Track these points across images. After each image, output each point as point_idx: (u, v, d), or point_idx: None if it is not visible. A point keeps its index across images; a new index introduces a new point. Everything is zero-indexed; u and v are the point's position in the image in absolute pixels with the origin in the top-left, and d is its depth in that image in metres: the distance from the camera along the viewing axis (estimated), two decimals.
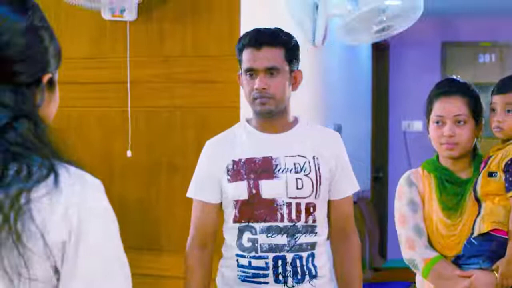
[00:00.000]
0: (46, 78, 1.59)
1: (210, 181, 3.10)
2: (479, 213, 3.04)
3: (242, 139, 3.11)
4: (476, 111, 3.15)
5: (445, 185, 3.16)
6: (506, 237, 2.97)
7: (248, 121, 3.17)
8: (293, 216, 3.00)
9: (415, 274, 3.25)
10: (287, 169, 3.01)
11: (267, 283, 3.00)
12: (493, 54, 9.03)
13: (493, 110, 3.17)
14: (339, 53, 6.64)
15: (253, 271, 3.02)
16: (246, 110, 4.05)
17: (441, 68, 9.01)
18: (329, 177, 3.07)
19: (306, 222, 3.01)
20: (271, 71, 2.99)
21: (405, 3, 4.97)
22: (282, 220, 2.99)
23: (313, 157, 3.05)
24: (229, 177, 3.05)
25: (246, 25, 4.04)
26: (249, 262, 3.03)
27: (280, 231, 2.98)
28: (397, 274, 6.86)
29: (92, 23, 4.22)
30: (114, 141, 4.23)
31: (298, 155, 3.04)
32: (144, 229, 4.16)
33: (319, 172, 3.04)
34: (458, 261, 3.07)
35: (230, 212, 3.07)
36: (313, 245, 3.03)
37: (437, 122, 3.15)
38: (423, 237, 3.13)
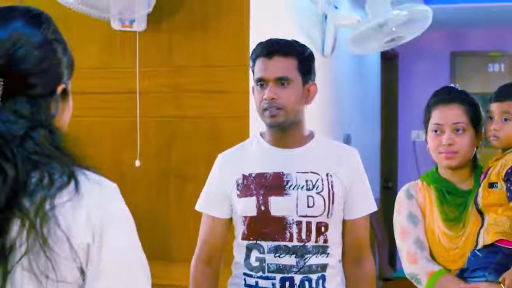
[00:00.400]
0: (60, 88, 1.66)
1: (219, 196, 2.98)
2: (482, 224, 2.93)
3: (254, 153, 2.98)
4: (475, 119, 3.06)
5: (446, 197, 3.05)
6: None
7: (261, 134, 3.02)
8: (303, 236, 2.84)
9: None
10: (299, 186, 2.86)
11: None
12: (502, 64, 9.03)
13: (490, 118, 3.06)
14: (348, 63, 6.65)
15: None
16: (255, 120, 4.05)
17: (450, 78, 9.00)
18: (343, 195, 2.91)
19: (316, 242, 2.86)
20: (281, 81, 2.86)
21: (414, 14, 4.98)
22: (291, 240, 2.84)
23: (327, 174, 2.89)
24: (238, 192, 2.92)
25: (255, 35, 4.05)
26: (256, 282, 2.89)
27: (288, 251, 2.84)
28: (407, 284, 6.84)
29: (102, 33, 4.23)
30: (123, 151, 4.24)
31: (311, 172, 2.89)
32: (154, 239, 4.15)
33: (332, 190, 2.88)
34: (462, 275, 2.94)
35: (239, 229, 2.94)
36: (324, 267, 2.88)
37: (436, 131, 3.05)
38: (425, 251, 3.01)
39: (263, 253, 2.86)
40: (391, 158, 8.93)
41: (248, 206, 2.88)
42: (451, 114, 3.04)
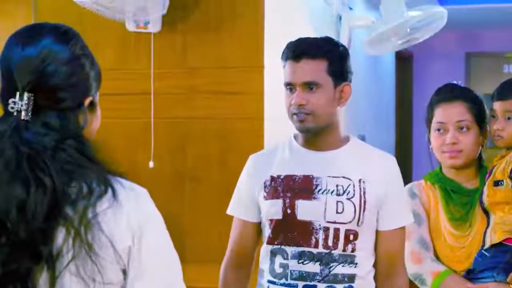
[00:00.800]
0: (87, 101, 1.76)
1: (248, 198, 2.85)
2: (488, 224, 2.86)
3: (285, 155, 2.83)
4: (479, 117, 2.99)
5: (452, 196, 2.98)
6: None
7: (295, 136, 2.86)
8: (330, 243, 2.67)
9: None
10: (328, 190, 2.70)
11: None
12: None
13: (493, 117, 2.98)
14: (363, 64, 6.63)
15: None
16: (270, 121, 4.05)
17: (465, 79, 8.98)
18: (376, 204, 2.71)
19: (344, 251, 2.68)
20: (310, 86, 2.69)
21: (429, 15, 4.96)
22: (316, 246, 2.67)
23: (359, 180, 2.71)
24: (265, 194, 2.78)
25: (270, 37, 4.05)
26: None
27: (312, 258, 2.67)
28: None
29: (117, 34, 4.24)
30: (137, 152, 4.24)
31: (343, 177, 2.72)
32: None
33: (364, 197, 2.70)
34: (469, 276, 2.87)
35: (265, 232, 2.80)
36: (351, 278, 2.69)
37: (439, 130, 2.99)
38: (429, 250, 2.95)
39: (287, 259, 2.71)
40: (406, 159, 8.91)
41: (274, 209, 2.74)
42: (454, 112, 2.98)
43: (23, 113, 1.66)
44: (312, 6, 4.86)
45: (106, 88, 4.24)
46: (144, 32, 4.12)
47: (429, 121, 3.06)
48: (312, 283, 2.68)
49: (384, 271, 2.78)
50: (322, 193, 2.70)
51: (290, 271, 2.70)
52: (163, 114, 4.21)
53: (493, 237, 2.82)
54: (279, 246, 2.73)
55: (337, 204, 2.69)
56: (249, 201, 2.85)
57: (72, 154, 1.66)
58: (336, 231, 2.68)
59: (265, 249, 2.80)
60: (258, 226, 2.87)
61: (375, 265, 2.79)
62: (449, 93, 3.03)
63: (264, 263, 2.80)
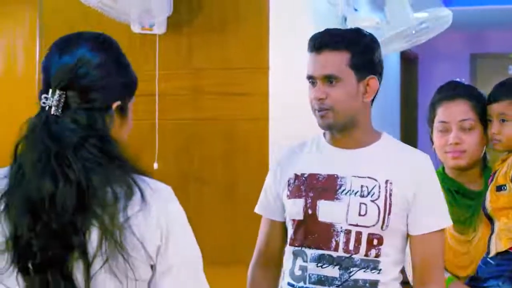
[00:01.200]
0: (115, 105, 1.85)
1: (274, 196, 2.73)
2: (493, 230, 2.73)
3: (311, 152, 2.68)
4: (484, 115, 2.85)
5: (456, 197, 2.85)
6: None
7: (324, 133, 2.68)
8: (350, 247, 2.52)
9: None
10: (352, 191, 2.54)
11: None
12: None
13: (490, 121, 2.86)
14: None
15: None
16: (275, 122, 4.05)
17: (470, 80, 8.97)
18: (404, 207, 2.53)
19: (366, 255, 2.51)
20: (330, 79, 2.53)
21: (435, 17, 4.96)
22: (336, 249, 2.52)
23: (386, 181, 2.53)
24: (288, 193, 2.65)
25: (275, 37, 4.06)
26: None
27: (332, 261, 2.53)
28: None
29: (122, 35, 4.23)
30: (141, 153, 4.23)
31: (368, 177, 2.55)
32: None
33: (390, 199, 2.52)
34: (473, 283, 2.76)
35: (288, 232, 2.67)
36: (374, 284, 2.52)
37: (441, 129, 2.89)
38: None
39: (306, 261, 2.57)
40: None
41: (295, 208, 2.61)
42: (457, 111, 2.86)
43: (53, 108, 1.79)
44: (316, 7, 4.86)
45: None
46: (149, 33, 4.12)
47: (431, 120, 2.98)
48: None
49: (419, 278, 2.60)
50: (346, 193, 2.55)
51: (309, 274, 2.56)
52: (168, 115, 4.21)
53: (498, 245, 2.71)
54: (299, 248, 2.61)
55: (360, 206, 2.53)
56: (275, 200, 2.73)
57: (93, 152, 1.75)
58: (358, 234, 2.52)
59: (287, 250, 2.68)
60: (285, 227, 2.72)
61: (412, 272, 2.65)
62: (451, 91, 2.93)
63: (286, 264, 2.68)
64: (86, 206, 1.72)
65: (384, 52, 5.49)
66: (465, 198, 2.88)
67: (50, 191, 1.71)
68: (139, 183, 1.78)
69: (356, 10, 5.48)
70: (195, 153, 4.19)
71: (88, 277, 1.72)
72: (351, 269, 2.52)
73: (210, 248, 4.16)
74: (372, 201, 2.52)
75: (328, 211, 2.55)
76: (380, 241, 2.53)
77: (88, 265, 1.72)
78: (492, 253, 2.72)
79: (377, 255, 2.52)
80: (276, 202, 2.71)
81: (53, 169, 1.72)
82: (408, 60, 8.52)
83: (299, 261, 2.59)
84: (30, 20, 4.98)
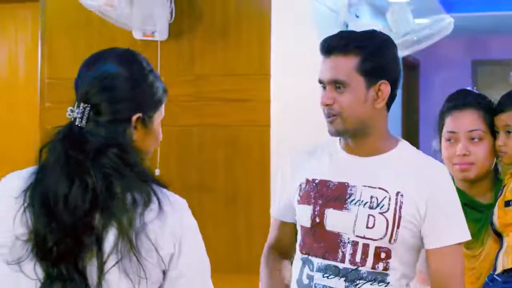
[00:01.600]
0: (135, 117, 1.97)
1: (285, 198, 2.65)
2: (501, 247, 2.62)
3: (324, 158, 2.58)
4: (494, 126, 2.75)
5: (464, 210, 2.59)
6: None
7: (340, 138, 2.58)
8: (357, 259, 2.42)
9: None
10: (361, 201, 2.44)
11: None
12: None
13: (497, 132, 2.76)
14: None
15: None
16: (276, 128, 4.05)
17: (471, 87, 8.96)
18: (415, 220, 2.42)
19: (373, 268, 2.42)
20: (336, 84, 2.43)
21: (436, 24, 4.96)
22: (342, 261, 2.43)
23: (397, 193, 2.42)
24: (298, 198, 2.56)
25: (277, 44, 4.05)
26: None
27: (338, 273, 2.44)
28: None
29: (124, 41, 4.24)
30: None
31: (379, 188, 2.44)
32: None
33: (400, 212, 2.40)
34: None
35: (298, 238, 2.60)
36: None
37: (449, 140, 2.76)
38: None
39: (313, 270, 2.49)
40: None
41: (304, 215, 2.53)
42: (465, 121, 2.75)
43: (77, 120, 1.93)
44: (318, 14, 4.87)
45: None
46: (151, 40, 4.12)
47: (440, 129, 2.84)
48: None
49: None
50: (355, 204, 2.45)
51: (315, 284, 2.48)
52: (169, 122, 4.19)
53: (505, 262, 2.58)
54: (306, 256, 2.53)
55: (368, 217, 2.42)
56: (286, 202, 2.65)
57: (113, 160, 1.89)
58: (365, 247, 2.42)
59: (297, 257, 2.60)
60: (295, 227, 2.64)
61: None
62: (461, 100, 2.80)
63: (294, 272, 2.60)
64: (106, 208, 1.85)
65: None
66: (474, 211, 2.75)
67: (64, 192, 1.85)
68: (158, 192, 1.92)
69: (357, 16, 5.49)
70: (196, 159, 4.19)
71: (101, 274, 1.84)
72: (358, 282, 2.42)
73: (211, 255, 4.14)
74: (381, 213, 2.42)
75: (335, 220, 2.46)
76: (388, 254, 2.42)
77: (102, 263, 1.84)
78: (499, 270, 2.60)
79: (385, 268, 2.42)
80: (288, 204, 2.63)
81: (70, 174, 1.86)
82: (410, 66, 8.52)
83: (307, 270, 2.51)
84: (32, 25, 4.99)
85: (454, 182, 2.68)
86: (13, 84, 5.22)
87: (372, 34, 2.51)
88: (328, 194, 2.49)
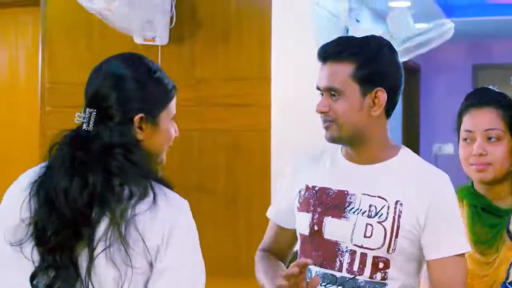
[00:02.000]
0: (137, 117, 2.05)
1: (285, 203, 2.60)
2: None
3: (326, 164, 2.54)
4: None
5: (481, 215, 2.57)
6: None
7: (342, 146, 2.54)
8: (355, 268, 2.38)
9: None
10: (360, 210, 2.39)
11: None
12: None
13: None
14: None
15: None
16: (277, 132, 4.05)
17: None
18: (414, 231, 2.37)
19: (371, 278, 2.37)
20: (331, 92, 2.39)
21: (436, 29, 4.97)
22: (340, 270, 2.39)
23: (396, 202, 2.37)
24: (298, 205, 2.52)
25: (277, 49, 4.06)
26: None
27: (335, 281, 2.40)
28: None
29: (124, 46, 4.24)
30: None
31: (378, 196, 2.39)
32: None
33: (398, 221, 2.36)
34: None
35: (298, 246, 2.57)
36: None
37: (466, 139, 2.61)
38: None
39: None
40: None
41: (303, 223, 2.49)
42: (483, 119, 2.58)
43: (84, 124, 2.04)
44: (319, 18, 4.87)
45: None
46: (152, 44, 4.13)
47: (458, 129, 2.67)
48: None
49: None
50: (354, 212, 2.40)
51: None
52: None
53: None
54: None
55: (366, 226, 2.37)
56: (286, 207, 2.59)
57: (118, 159, 1.99)
58: (363, 256, 2.38)
59: None
60: (294, 233, 2.59)
61: None
62: (478, 98, 2.64)
63: None
64: (103, 201, 1.94)
65: None
66: (491, 216, 2.59)
67: (65, 186, 1.96)
68: (155, 188, 1.98)
69: (358, 21, 5.49)
70: (197, 164, 4.19)
71: (90, 261, 1.92)
72: None
73: (212, 258, 4.15)
74: (379, 222, 2.36)
75: (334, 229, 2.41)
76: (387, 264, 2.37)
77: (92, 251, 1.92)
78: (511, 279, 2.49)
79: (384, 278, 2.37)
80: (287, 209, 2.58)
81: (73, 171, 1.97)
82: (410, 71, 8.52)
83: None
84: (33, 30, 4.99)
85: (473, 185, 2.64)
86: (14, 88, 5.22)
87: (369, 41, 2.46)
88: (328, 202, 2.45)
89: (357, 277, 2.37)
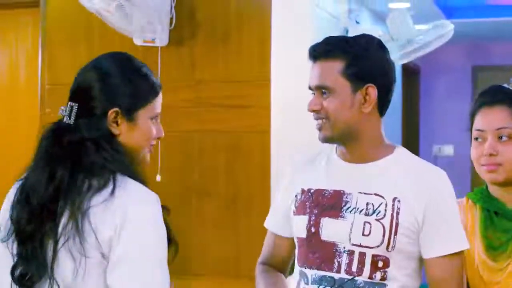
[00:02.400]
0: (111, 111, 2.10)
1: (282, 211, 2.58)
2: None
3: (321, 166, 2.52)
4: None
5: (493, 219, 2.48)
6: None
7: (336, 146, 2.53)
8: (353, 268, 2.34)
9: None
10: (357, 209, 2.37)
11: None
12: None
13: None
14: None
15: None
16: (277, 134, 4.05)
17: (472, 92, 8.96)
18: (413, 227, 2.34)
19: (371, 278, 2.33)
20: (321, 90, 2.39)
21: (437, 30, 4.97)
22: (338, 271, 2.36)
23: (394, 199, 2.35)
24: (294, 209, 2.50)
25: (276, 50, 4.06)
26: None
27: (333, 283, 2.36)
28: None
29: (124, 47, 4.24)
30: (145, 165, 4.24)
31: (375, 194, 2.37)
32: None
33: (397, 218, 2.33)
34: None
35: (296, 251, 2.52)
36: None
37: (477, 139, 2.51)
38: None
39: (307, 283, 2.41)
40: None
41: (299, 226, 2.46)
42: (494, 118, 2.48)
43: (65, 117, 2.12)
44: (319, 19, 4.87)
45: None
46: (152, 46, 4.13)
47: (470, 129, 2.56)
48: None
49: None
50: (351, 211, 2.37)
51: None
52: (170, 128, 4.18)
53: None
54: (301, 268, 2.45)
55: (364, 225, 2.35)
56: (283, 215, 2.57)
57: (88, 153, 2.05)
58: (362, 255, 2.34)
59: (295, 270, 2.51)
60: (292, 242, 2.56)
61: None
62: (491, 96, 2.54)
63: (291, 287, 2.51)
64: (67, 195, 2.01)
65: None
66: (503, 220, 2.49)
67: (34, 180, 2.06)
68: (118, 181, 2.03)
69: (358, 22, 5.50)
70: (197, 165, 4.19)
71: (54, 253, 2.00)
72: None
73: (213, 260, 4.16)
74: (378, 220, 2.34)
75: (331, 229, 2.38)
76: (386, 263, 2.34)
77: (55, 243, 2.00)
78: None
79: (383, 278, 2.34)
80: (284, 217, 2.56)
81: (44, 165, 2.06)
82: (410, 72, 8.52)
83: (302, 284, 2.43)
84: (33, 31, 4.99)
85: (487, 188, 2.56)
86: (14, 89, 5.23)
87: (358, 38, 2.46)
88: (324, 203, 2.42)
89: (356, 277, 2.34)
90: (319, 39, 2.47)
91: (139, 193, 2.05)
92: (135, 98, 2.15)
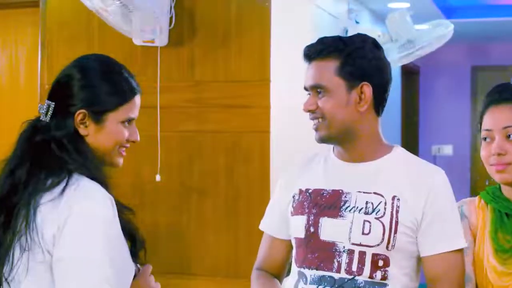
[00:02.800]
0: (78, 113, 2.13)
1: (279, 213, 2.57)
2: None
3: (319, 166, 2.52)
4: None
5: (504, 221, 2.42)
6: None
7: (334, 146, 2.53)
8: (353, 268, 2.33)
9: None
10: (356, 208, 2.36)
11: None
12: None
13: None
14: None
15: None
16: (277, 134, 4.05)
17: (471, 92, 8.97)
18: (413, 225, 2.34)
19: (371, 277, 2.32)
20: (317, 89, 2.40)
21: (436, 30, 4.97)
22: (338, 271, 2.34)
23: (393, 197, 2.35)
24: (292, 209, 2.49)
25: (276, 50, 4.06)
26: None
27: (333, 283, 2.34)
28: None
29: (123, 47, 4.25)
30: (143, 166, 4.24)
31: (374, 193, 2.37)
32: (175, 254, 4.15)
33: (396, 217, 2.33)
34: None
35: (293, 252, 2.51)
36: None
37: (485, 138, 2.46)
38: (469, 284, 2.44)
39: (306, 283, 2.39)
40: None
41: (298, 226, 2.45)
42: (502, 117, 2.43)
43: (42, 115, 2.17)
44: (318, 19, 4.88)
45: None
46: (151, 45, 4.13)
47: (479, 129, 2.52)
48: None
49: None
50: (350, 210, 2.37)
51: None
52: (169, 128, 4.21)
53: None
54: (300, 269, 2.43)
55: (364, 223, 2.34)
56: (279, 216, 2.57)
57: (50, 152, 2.10)
58: (362, 254, 2.34)
59: (293, 271, 2.50)
60: (289, 244, 2.55)
61: None
62: (498, 94, 2.48)
63: (289, 286, 2.50)
64: (23, 192, 2.06)
65: None
66: None
67: (1, 181, 2.12)
68: (72, 180, 2.06)
69: (357, 22, 5.51)
70: (197, 165, 4.19)
71: (8, 248, 2.05)
72: None
73: (212, 260, 4.16)
74: (377, 218, 2.33)
75: (330, 229, 2.37)
76: (386, 262, 2.34)
77: (11, 238, 2.05)
78: None
79: (384, 278, 2.33)
80: (280, 219, 2.56)
81: (10, 162, 2.14)
82: (409, 72, 8.53)
83: (301, 284, 2.41)
84: (32, 31, 4.99)
85: (500, 188, 2.50)
86: (14, 89, 5.23)
87: (352, 38, 2.47)
88: (323, 203, 2.42)
89: (357, 277, 2.33)
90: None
91: (88, 192, 2.05)
92: (104, 101, 2.17)
